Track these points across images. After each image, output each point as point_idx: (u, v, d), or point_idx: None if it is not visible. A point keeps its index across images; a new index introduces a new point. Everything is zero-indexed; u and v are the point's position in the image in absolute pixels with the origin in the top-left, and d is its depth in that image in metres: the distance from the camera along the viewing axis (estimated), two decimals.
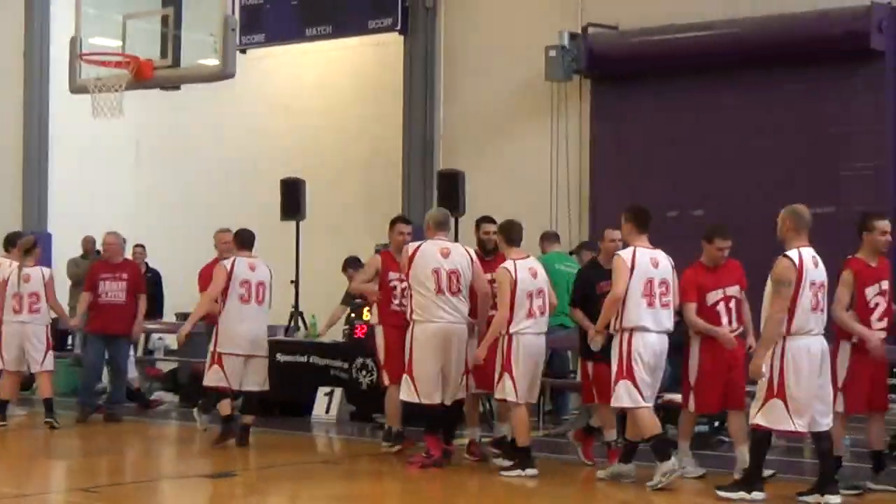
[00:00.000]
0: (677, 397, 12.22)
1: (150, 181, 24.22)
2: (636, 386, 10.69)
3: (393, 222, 12.80)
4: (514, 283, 11.40)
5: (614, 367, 10.81)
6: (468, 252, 11.91)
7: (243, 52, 22.33)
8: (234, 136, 23.14)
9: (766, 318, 10.00)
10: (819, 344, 10.01)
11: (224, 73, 17.11)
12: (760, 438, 10.14)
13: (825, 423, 10.01)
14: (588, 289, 11.60)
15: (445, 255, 11.69)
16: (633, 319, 10.74)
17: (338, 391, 15.23)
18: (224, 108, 22.48)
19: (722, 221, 11.99)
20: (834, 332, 10.40)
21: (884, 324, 10.39)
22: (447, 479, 11.58)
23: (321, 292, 17.48)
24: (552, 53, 19.10)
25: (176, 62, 17.46)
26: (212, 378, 13.15)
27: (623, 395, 10.76)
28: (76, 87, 18.01)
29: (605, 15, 19.26)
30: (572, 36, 19.17)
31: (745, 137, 18.21)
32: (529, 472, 11.34)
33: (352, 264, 15.98)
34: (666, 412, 12.45)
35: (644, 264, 10.84)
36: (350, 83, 22.26)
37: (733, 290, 11.03)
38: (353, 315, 15.40)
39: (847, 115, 17.61)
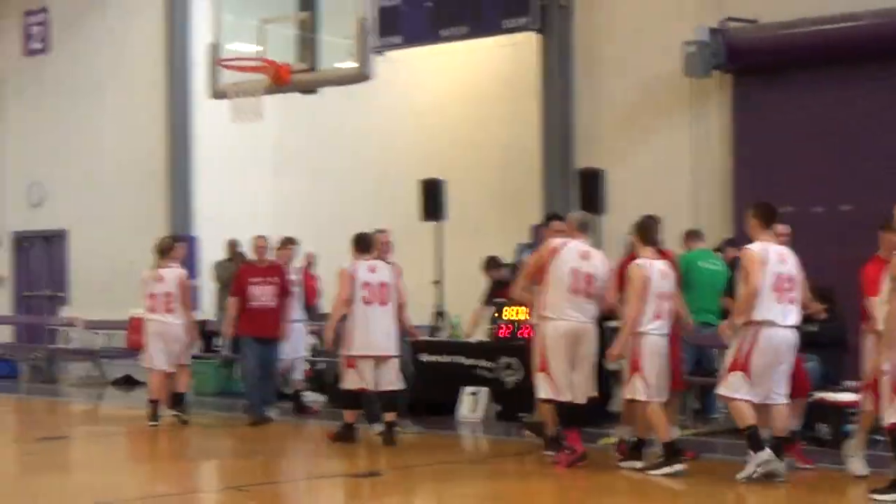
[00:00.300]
0: (830, 395, 12.02)
1: (290, 183, 24.48)
2: (747, 378, 10.68)
3: (548, 219, 12.75)
4: (648, 281, 11.34)
5: (730, 358, 10.82)
6: (606, 260, 11.97)
7: (380, 54, 22.44)
8: (372, 138, 23.21)
9: (886, 315, 9.83)
10: None
11: (361, 75, 17.21)
12: None
13: None
14: None
15: (585, 257, 11.74)
16: (762, 314, 10.67)
17: (483, 391, 15.20)
18: (362, 110, 22.55)
19: (868, 217, 11.65)
20: None
21: None
22: (594, 477, 11.50)
23: (462, 292, 17.47)
24: (691, 49, 18.70)
25: (313, 66, 17.61)
26: (350, 381, 13.29)
27: (733, 385, 10.76)
28: (216, 92, 18.27)
29: (744, 9, 18.89)
30: (711, 31, 18.76)
31: (893, 131, 17.78)
32: (678, 467, 11.22)
33: (492, 264, 15.99)
34: (817, 410, 12.24)
35: (774, 259, 10.79)
36: (486, 83, 22.15)
37: None
38: (496, 314, 15.36)
39: None
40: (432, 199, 18.48)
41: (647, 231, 11.82)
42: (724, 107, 19.25)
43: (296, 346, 16.18)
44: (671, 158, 19.51)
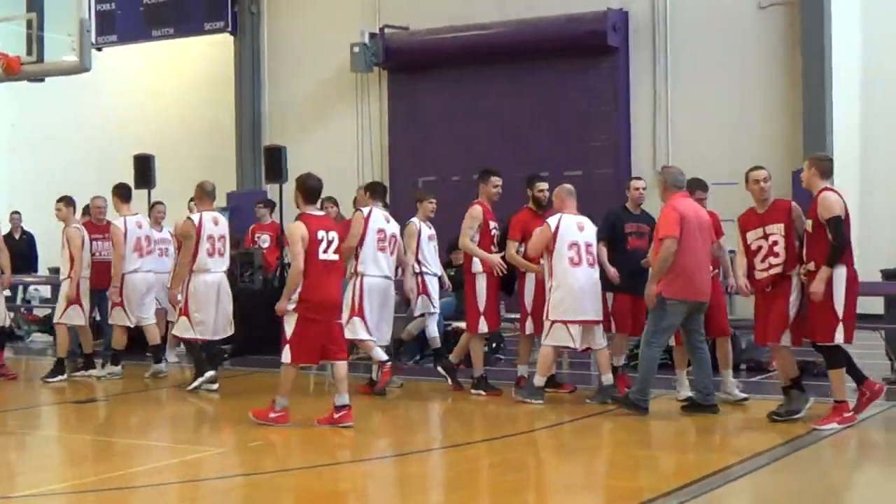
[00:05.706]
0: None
1: (24, 159, 24.71)
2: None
3: (488, 174, 11.60)
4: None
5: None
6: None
7: (99, 49, 22.92)
8: (94, 122, 23.66)
9: None
10: None
11: (81, 67, 17.72)
12: None
13: None
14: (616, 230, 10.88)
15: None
16: None
17: None
18: (87, 96, 22.92)
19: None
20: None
21: (766, 265, 9.55)
22: None
23: None
24: (356, 49, 20.18)
25: (40, 58, 18.06)
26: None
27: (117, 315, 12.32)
28: None
29: (399, 17, 20.33)
30: (371, 35, 20.25)
31: (512, 116, 19.43)
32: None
33: None
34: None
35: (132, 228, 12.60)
36: (190, 75, 23.02)
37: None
38: None
39: (590, 98, 18.95)
40: (143, 171, 19.00)
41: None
42: (383, 97, 20.76)
43: None
44: (341, 138, 20.85)
